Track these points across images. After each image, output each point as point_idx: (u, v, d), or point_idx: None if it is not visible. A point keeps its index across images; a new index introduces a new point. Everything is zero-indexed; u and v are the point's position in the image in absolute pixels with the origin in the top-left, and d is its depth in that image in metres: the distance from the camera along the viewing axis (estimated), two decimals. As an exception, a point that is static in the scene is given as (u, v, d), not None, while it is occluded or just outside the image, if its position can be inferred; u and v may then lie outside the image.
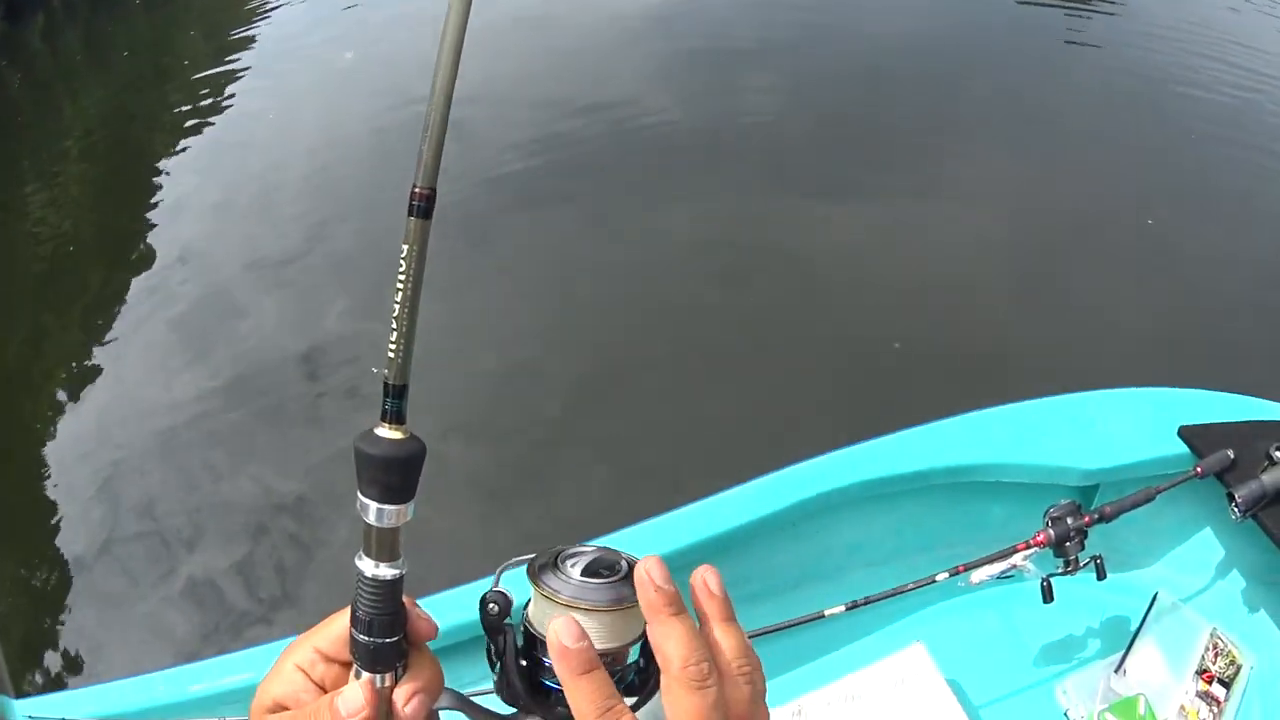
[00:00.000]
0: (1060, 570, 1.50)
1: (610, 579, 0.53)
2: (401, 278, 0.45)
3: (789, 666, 1.49)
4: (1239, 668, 1.71)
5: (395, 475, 0.47)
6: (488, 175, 3.43)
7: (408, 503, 0.49)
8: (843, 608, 1.40)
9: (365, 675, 0.50)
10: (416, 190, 0.44)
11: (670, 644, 0.47)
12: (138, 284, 3.07)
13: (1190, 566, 1.75)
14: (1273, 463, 1.66)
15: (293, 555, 2.18)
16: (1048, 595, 1.50)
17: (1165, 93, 4.33)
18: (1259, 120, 4.12)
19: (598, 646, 0.51)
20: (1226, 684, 1.70)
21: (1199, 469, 1.62)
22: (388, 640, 0.50)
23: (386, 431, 0.47)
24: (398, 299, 0.46)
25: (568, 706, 0.48)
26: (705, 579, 0.50)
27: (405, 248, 0.45)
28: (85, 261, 3.46)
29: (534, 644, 0.53)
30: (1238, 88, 4.33)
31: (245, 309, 2.81)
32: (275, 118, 4.62)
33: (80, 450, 2.58)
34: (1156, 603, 1.68)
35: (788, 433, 2.29)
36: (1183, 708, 1.65)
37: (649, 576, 0.48)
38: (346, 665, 0.52)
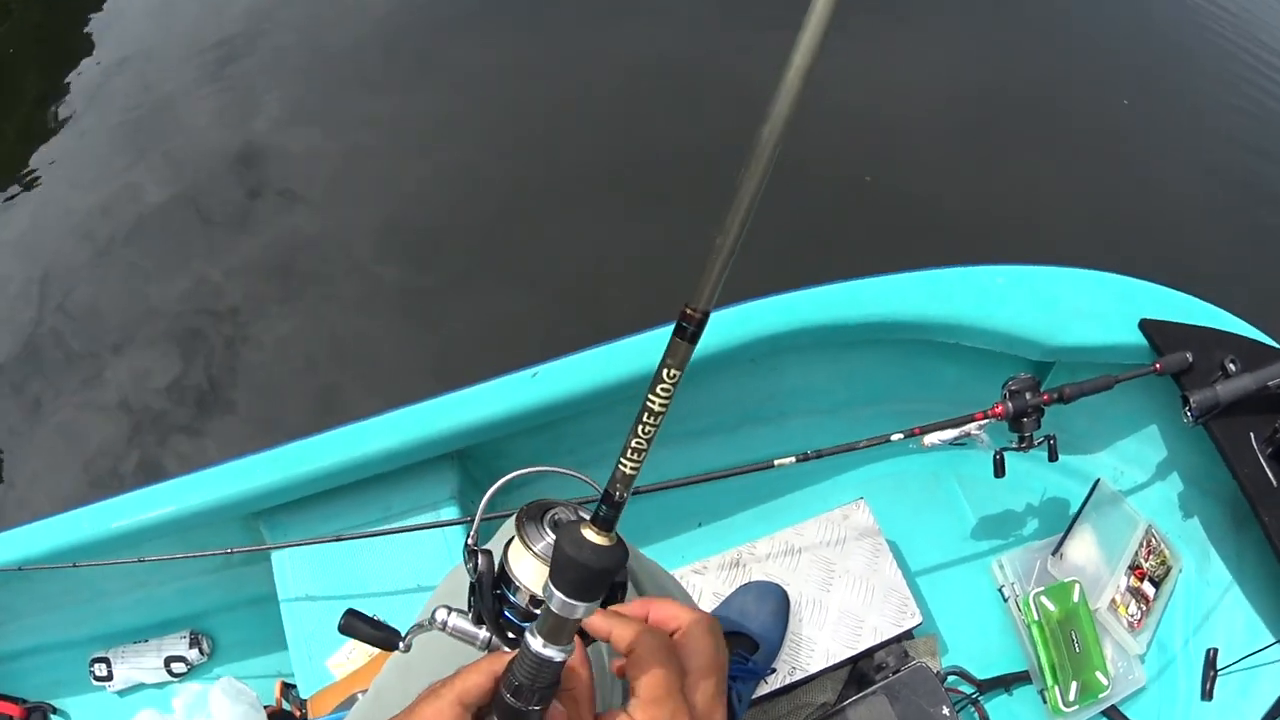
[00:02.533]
0: (1014, 445, 1.47)
1: None
2: (660, 398, 0.43)
3: (732, 511, 1.45)
4: (1169, 569, 1.73)
5: (594, 580, 0.48)
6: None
7: (594, 601, 0.49)
8: (793, 459, 1.35)
9: None
10: (688, 311, 0.40)
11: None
12: (77, 87, 2.87)
13: (1134, 460, 1.75)
14: (1227, 375, 1.66)
15: (222, 361, 2.07)
16: (999, 469, 1.48)
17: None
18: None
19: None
20: (1156, 583, 1.71)
21: (1159, 365, 1.60)
22: (535, 708, 0.52)
23: (594, 536, 0.48)
24: (646, 418, 0.44)
25: (519, 637, 0.52)
26: None
27: (667, 370, 0.42)
28: (21, 67, 3.20)
29: (505, 578, 0.57)
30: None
31: (182, 113, 2.63)
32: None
33: (10, 253, 2.42)
34: (1097, 490, 1.68)
35: (741, 269, 2.17)
36: (1114, 601, 1.66)
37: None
38: None
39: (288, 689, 1.59)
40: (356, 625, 0.67)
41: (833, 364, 1.53)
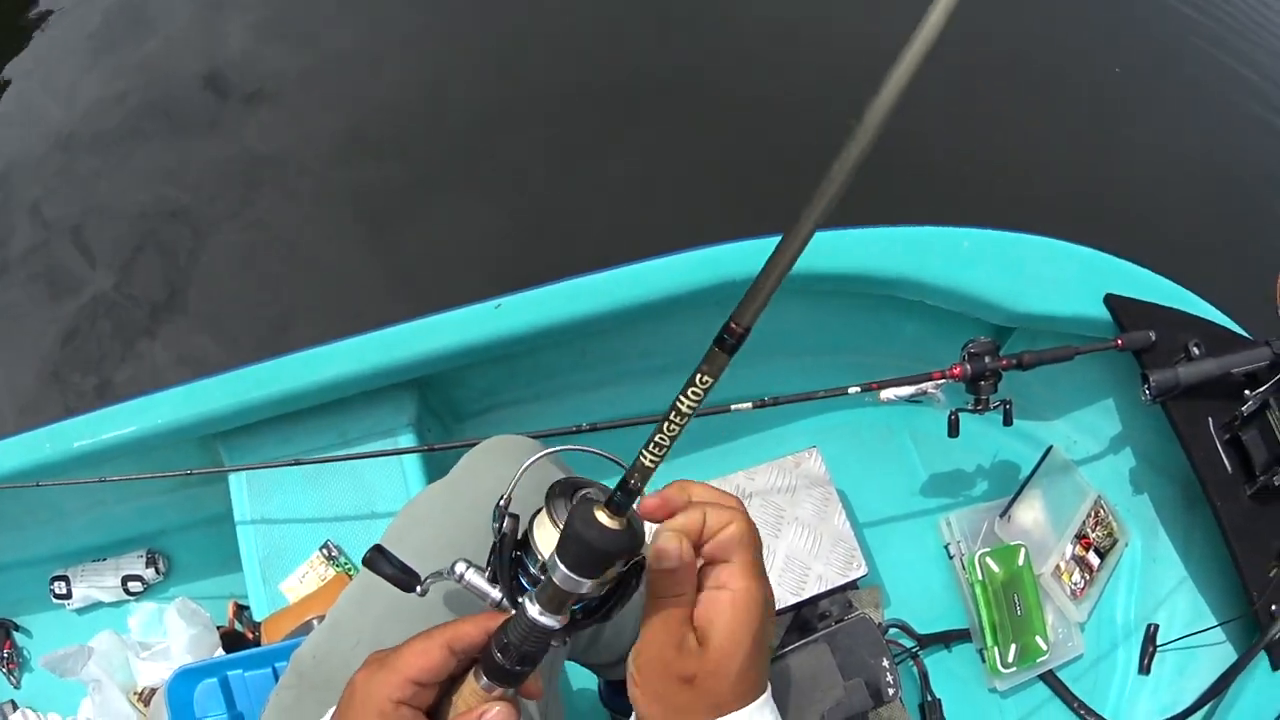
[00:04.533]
0: (969, 407, 1.49)
1: None
2: (689, 400, 0.46)
3: (688, 451, 1.47)
4: (1115, 541, 1.76)
5: (599, 559, 0.50)
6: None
7: (596, 579, 0.51)
8: (750, 405, 1.36)
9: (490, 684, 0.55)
10: (732, 325, 0.44)
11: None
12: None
13: (1089, 431, 1.78)
14: (1189, 357, 1.68)
15: (178, 264, 2.06)
16: (954, 429, 1.50)
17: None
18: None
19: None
20: (1101, 554, 1.75)
21: (1121, 341, 1.62)
22: (524, 669, 0.55)
23: (607, 519, 0.50)
24: (674, 417, 0.47)
25: (530, 609, 0.53)
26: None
27: (701, 375, 0.46)
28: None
29: (527, 545, 0.59)
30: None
31: (156, 19, 2.60)
32: None
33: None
34: (1050, 457, 1.71)
35: (714, 207, 2.14)
36: (1059, 567, 1.70)
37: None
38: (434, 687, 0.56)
39: (241, 610, 1.61)
40: (379, 562, 0.68)
41: (796, 312, 1.54)
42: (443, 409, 1.55)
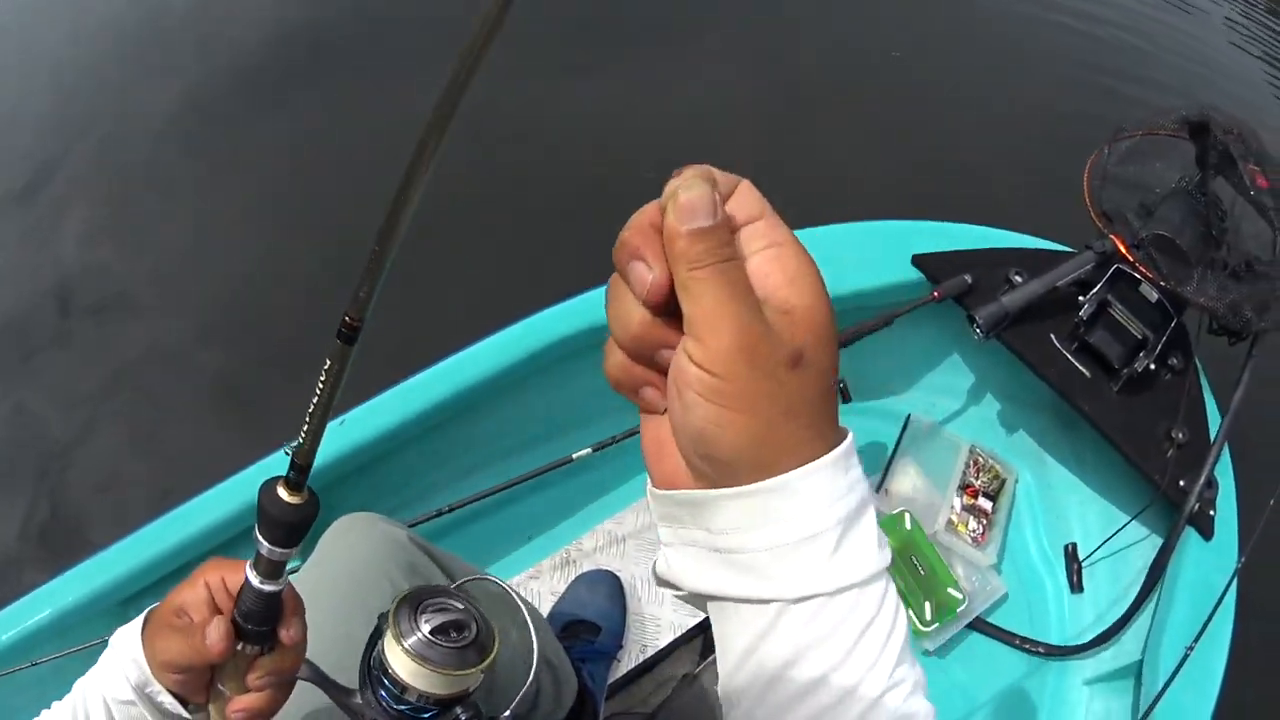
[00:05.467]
0: (805, 397, 1.57)
1: (453, 644, 0.71)
2: (320, 388, 0.52)
3: (558, 519, 1.54)
4: (1003, 481, 1.83)
5: (287, 531, 0.58)
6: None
7: (294, 547, 0.60)
8: (589, 450, 1.45)
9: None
10: (347, 319, 0.48)
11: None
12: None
13: (941, 389, 1.85)
14: (1012, 286, 1.77)
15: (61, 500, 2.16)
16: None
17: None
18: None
19: (421, 689, 0.71)
20: (992, 497, 1.81)
21: (936, 293, 1.69)
22: (259, 628, 0.64)
23: (287, 495, 0.57)
24: (314, 400, 0.53)
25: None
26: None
27: (327, 363, 0.51)
28: None
29: (383, 667, 0.71)
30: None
31: None
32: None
33: None
34: (910, 424, 1.79)
35: (528, 285, 2.27)
36: (951, 521, 1.76)
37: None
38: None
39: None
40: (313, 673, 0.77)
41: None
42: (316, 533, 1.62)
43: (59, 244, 2.72)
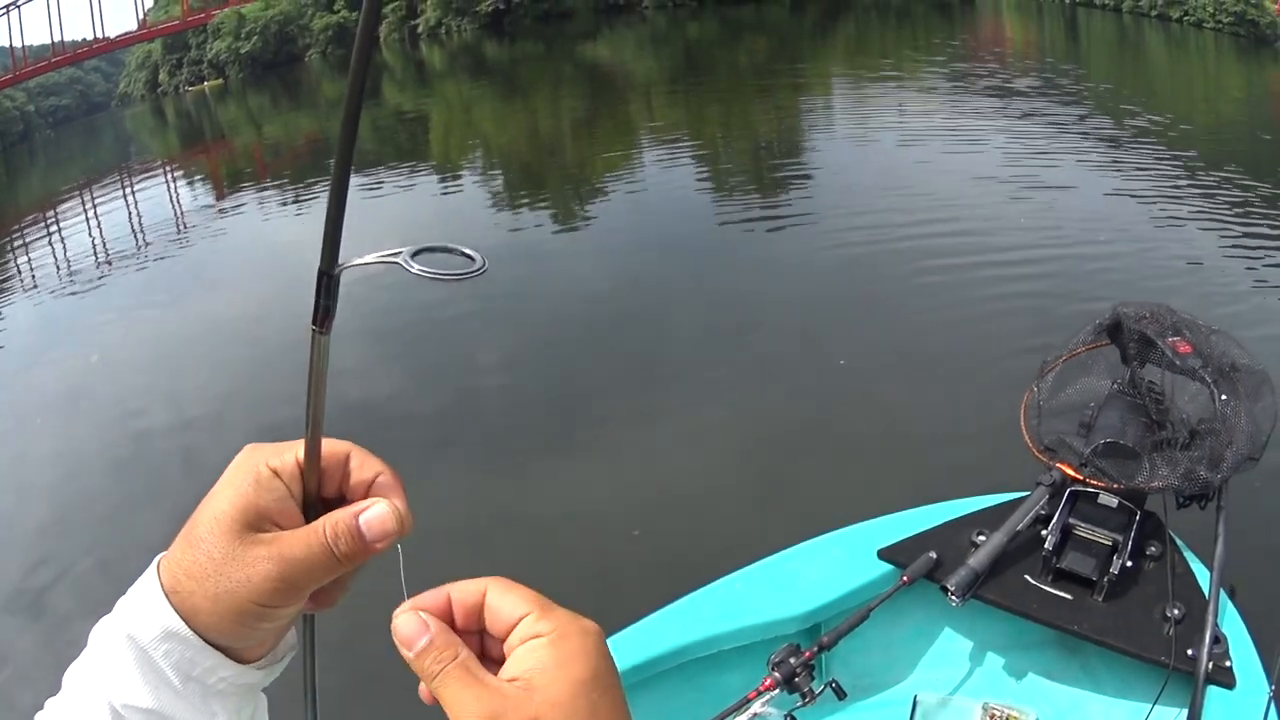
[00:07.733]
0: (800, 704, 1.73)
1: None
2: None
3: None
4: (1024, 721, 1.87)
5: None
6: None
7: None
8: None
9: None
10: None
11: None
12: None
13: (941, 661, 1.94)
14: (976, 546, 1.90)
15: None
16: (800, 733, 1.73)
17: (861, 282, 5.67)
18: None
19: None
20: (1015, 742, 1.85)
21: (905, 578, 1.85)
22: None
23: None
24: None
25: None
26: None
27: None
28: None
29: None
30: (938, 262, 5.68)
31: None
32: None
33: None
34: (919, 704, 1.87)
35: None
36: (979, 778, 1.80)
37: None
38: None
39: None
40: None
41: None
42: None
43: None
